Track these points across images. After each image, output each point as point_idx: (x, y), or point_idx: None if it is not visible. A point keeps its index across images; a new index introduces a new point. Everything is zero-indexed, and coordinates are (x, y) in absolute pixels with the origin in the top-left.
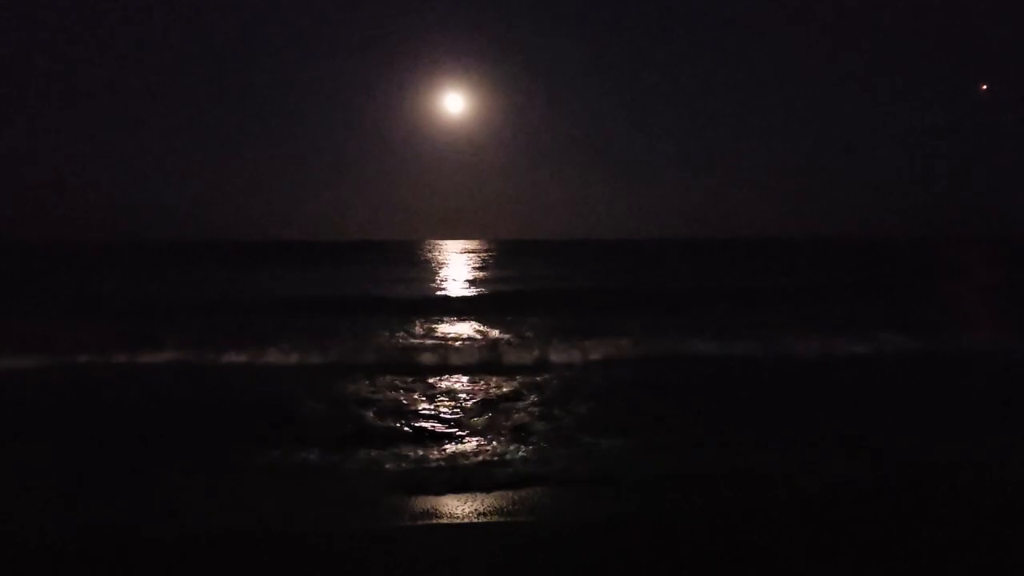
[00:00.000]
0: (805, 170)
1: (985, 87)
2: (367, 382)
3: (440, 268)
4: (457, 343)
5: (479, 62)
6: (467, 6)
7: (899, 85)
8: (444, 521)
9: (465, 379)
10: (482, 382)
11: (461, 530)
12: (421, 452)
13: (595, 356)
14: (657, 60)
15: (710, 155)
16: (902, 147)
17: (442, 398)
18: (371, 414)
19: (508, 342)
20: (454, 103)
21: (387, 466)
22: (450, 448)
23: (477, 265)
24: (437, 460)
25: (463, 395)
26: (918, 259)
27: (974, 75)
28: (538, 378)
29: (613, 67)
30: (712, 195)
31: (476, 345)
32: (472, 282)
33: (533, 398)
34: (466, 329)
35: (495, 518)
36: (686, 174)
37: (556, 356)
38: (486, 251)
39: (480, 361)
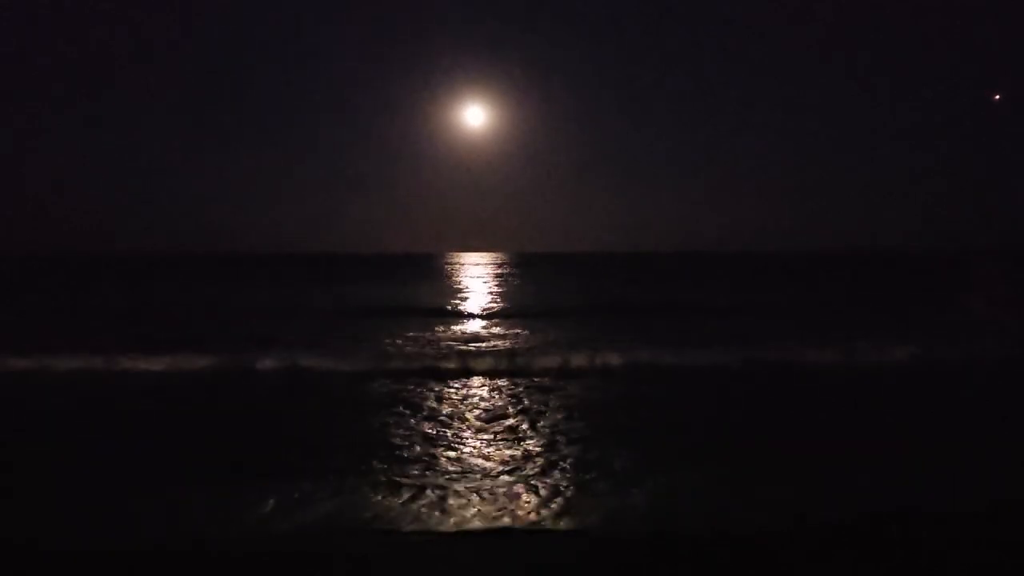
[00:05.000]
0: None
1: (998, 96)
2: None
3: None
4: None
5: (499, 73)
6: (487, 17)
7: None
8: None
9: None
10: None
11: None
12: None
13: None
14: (685, 69)
15: (728, 166)
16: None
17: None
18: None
19: None
20: (473, 115)
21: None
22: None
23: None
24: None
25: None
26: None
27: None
28: None
29: (637, 75)
30: (735, 205)
31: None
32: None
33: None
34: None
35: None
36: (711, 184)
37: None
38: (511, 265)
39: None
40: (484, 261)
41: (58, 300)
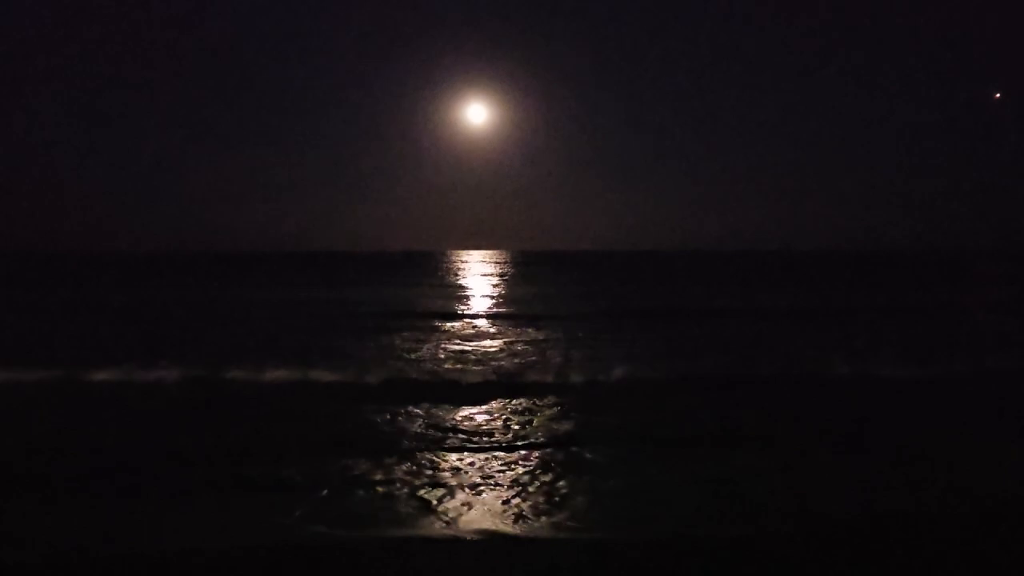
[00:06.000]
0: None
1: (998, 95)
2: None
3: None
4: None
5: (499, 72)
6: (487, 17)
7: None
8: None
9: None
10: None
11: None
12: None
13: None
14: (685, 69)
15: (728, 166)
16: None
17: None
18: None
19: None
20: (474, 113)
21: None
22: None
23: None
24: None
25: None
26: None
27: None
28: None
29: (640, 75)
30: (735, 205)
31: None
32: None
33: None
34: None
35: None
36: (710, 185)
37: None
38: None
39: None
40: (485, 260)
41: (58, 301)
